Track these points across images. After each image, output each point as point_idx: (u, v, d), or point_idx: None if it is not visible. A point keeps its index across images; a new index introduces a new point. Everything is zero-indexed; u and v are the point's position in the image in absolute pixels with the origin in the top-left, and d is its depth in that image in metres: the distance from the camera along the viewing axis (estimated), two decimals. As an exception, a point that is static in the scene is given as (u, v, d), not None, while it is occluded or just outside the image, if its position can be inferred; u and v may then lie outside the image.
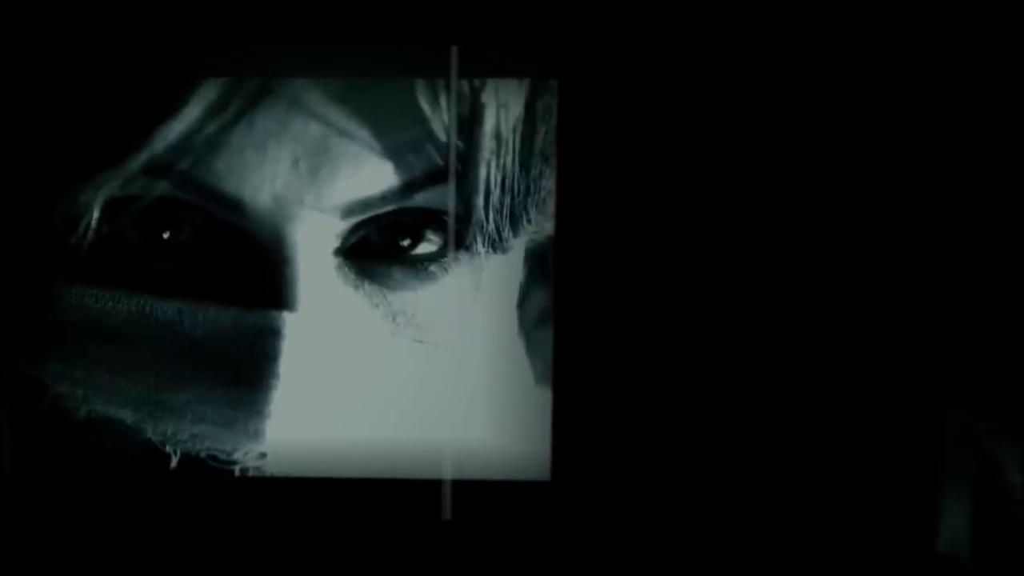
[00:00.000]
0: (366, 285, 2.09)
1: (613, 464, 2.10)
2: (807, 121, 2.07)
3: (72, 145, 2.08)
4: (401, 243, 2.09)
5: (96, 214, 2.07)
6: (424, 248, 2.09)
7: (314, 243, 2.07)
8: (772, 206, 2.09)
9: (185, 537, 2.09)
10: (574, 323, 2.10)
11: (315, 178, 2.07)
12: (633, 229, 2.10)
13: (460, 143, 2.08)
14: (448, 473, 2.11)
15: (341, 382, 2.10)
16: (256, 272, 2.07)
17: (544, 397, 2.11)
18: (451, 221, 2.09)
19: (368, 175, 2.07)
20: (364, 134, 2.07)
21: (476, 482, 2.10)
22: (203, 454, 2.10)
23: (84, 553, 2.08)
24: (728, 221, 2.09)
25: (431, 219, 2.09)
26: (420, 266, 2.09)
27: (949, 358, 2.04)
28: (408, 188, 2.08)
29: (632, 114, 2.10)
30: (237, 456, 2.10)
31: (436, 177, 2.08)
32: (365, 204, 2.07)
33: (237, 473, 2.10)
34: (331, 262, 2.08)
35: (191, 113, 2.06)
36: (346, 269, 2.08)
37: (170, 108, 2.06)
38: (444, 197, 2.08)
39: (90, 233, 2.07)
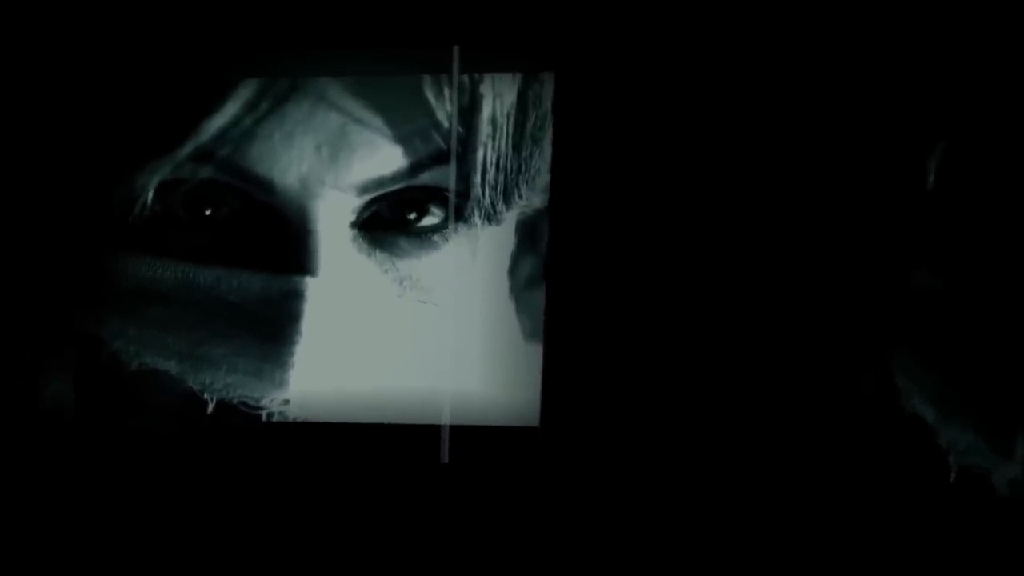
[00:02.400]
0: (377, 253, 2.37)
1: (598, 411, 2.30)
2: (787, 117, 2.28)
3: (134, 137, 2.43)
4: (408, 216, 2.37)
5: (150, 194, 2.41)
6: (428, 220, 2.37)
7: (333, 217, 2.36)
8: (743, 182, 2.30)
9: (218, 471, 2.37)
10: (564, 283, 2.33)
11: (335, 161, 2.37)
12: (618, 202, 2.33)
13: (461, 129, 2.37)
14: (446, 419, 2.35)
15: (355, 339, 2.37)
16: (283, 242, 2.37)
17: (532, 352, 2.34)
18: (451, 197, 2.36)
19: (380, 158, 2.37)
20: (378, 123, 2.38)
21: (472, 427, 2.34)
22: (235, 401, 2.39)
23: (134, 485, 2.38)
24: (703, 193, 2.30)
25: (434, 195, 2.36)
26: (424, 236, 2.37)
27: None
28: (415, 168, 2.37)
29: (619, 102, 2.34)
30: (264, 403, 2.38)
31: (439, 159, 2.36)
32: (378, 183, 2.36)
33: (264, 417, 2.38)
34: (347, 234, 2.37)
35: (230, 109, 2.40)
36: (360, 239, 2.37)
37: (213, 105, 2.40)
38: (446, 176, 2.36)
39: (145, 211, 2.42)
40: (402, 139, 2.37)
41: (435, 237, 2.37)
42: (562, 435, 2.31)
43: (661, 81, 2.33)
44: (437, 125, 2.37)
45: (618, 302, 2.32)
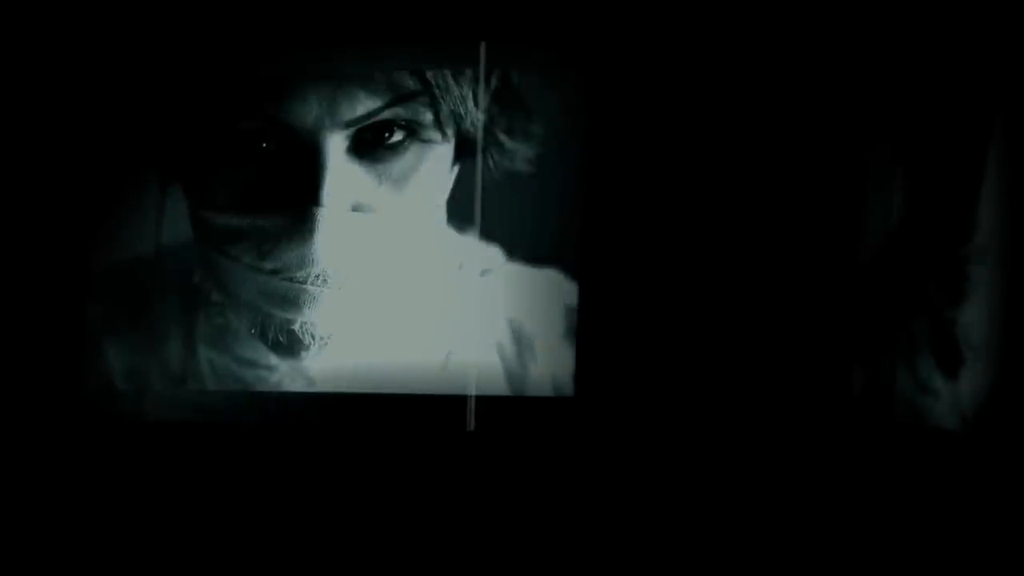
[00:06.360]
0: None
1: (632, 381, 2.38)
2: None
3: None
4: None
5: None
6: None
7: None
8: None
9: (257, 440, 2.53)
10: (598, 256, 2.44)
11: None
12: (648, 181, 2.43)
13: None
14: (473, 389, 2.45)
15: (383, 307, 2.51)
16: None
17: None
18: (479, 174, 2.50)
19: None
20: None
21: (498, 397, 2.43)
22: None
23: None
24: (729, 175, 2.40)
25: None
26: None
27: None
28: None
29: (636, 89, 2.46)
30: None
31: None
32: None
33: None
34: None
35: None
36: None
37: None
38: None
39: None
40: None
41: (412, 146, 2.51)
42: (598, 405, 2.39)
43: (686, 75, 2.43)
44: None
45: (653, 274, 2.40)
